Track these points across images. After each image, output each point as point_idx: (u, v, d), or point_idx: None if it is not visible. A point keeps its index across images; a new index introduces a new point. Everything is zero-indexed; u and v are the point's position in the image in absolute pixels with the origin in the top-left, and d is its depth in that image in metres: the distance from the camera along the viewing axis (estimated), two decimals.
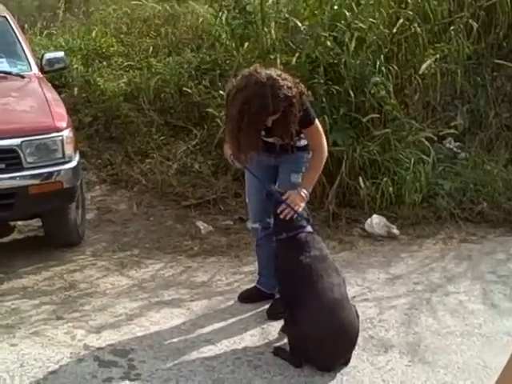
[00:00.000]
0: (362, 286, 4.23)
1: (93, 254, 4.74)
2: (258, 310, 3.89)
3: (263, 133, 3.54)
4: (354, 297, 4.01)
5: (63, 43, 8.26)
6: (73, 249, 4.78)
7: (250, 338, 3.60)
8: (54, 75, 7.47)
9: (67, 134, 4.50)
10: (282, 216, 3.46)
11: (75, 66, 7.54)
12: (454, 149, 6.18)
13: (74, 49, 8.13)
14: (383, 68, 5.60)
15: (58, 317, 3.82)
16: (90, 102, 7.07)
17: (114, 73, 7.52)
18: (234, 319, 3.81)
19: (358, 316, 3.40)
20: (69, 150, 4.52)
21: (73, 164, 4.54)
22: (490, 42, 6.54)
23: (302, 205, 3.51)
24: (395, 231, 5.06)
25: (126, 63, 7.64)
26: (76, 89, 7.26)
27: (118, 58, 7.86)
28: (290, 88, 3.38)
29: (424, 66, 5.73)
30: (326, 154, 3.67)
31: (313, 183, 3.69)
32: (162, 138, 6.40)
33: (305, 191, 3.55)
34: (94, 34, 8.33)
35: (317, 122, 3.62)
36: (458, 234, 5.12)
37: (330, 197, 5.31)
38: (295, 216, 3.47)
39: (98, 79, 7.29)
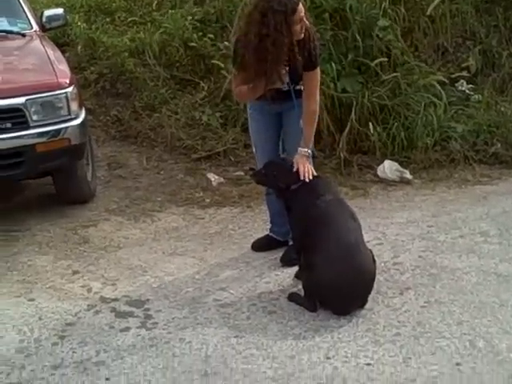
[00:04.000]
0: (375, 231, 4.23)
1: (105, 210, 4.76)
2: (272, 258, 3.91)
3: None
4: (368, 241, 3.97)
5: (64, 0, 8.17)
6: (85, 205, 4.80)
7: (265, 285, 3.63)
8: (57, 33, 7.44)
9: (71, 90, 4.48)
10: (306, 179, 3.48)
11: (78, 23, 7.46)
12: (467, 91, 6.10)
13: (76, 6, 8.07)
14: (390, 11, 5.50)
15: (74, 271, 3.87)
16: (95, 59, 7.02)
17: (118, 29, 7.44)
18: (248, 267, 3.84)
19: (374, 261, 3.42)
20: (74, 106, 4.51)
21: (79, 120, 4.53)
22: None
23: (308, 163, 3.56)
24: (408, 176, 5.04)
25: (129, 18, 7.56)
26: (80, 46, 7.20)
27: (121, 13, 7.76)
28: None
29: (431, 6, 5.62)
30: (318, 106, 3.67)
31: (311, 139, 3.68)
32: (169, 91, 6.36)
33: (308, 151, 3.58)
34: None
35: (319, 68, 3.59)
36: (473, 176, 5.10)
37: (340, 144, 5.28)
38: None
39: (101, 36, 7.21)
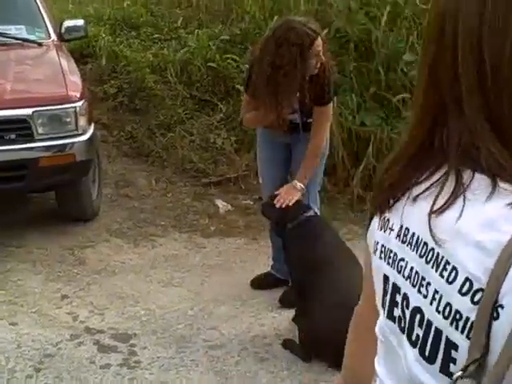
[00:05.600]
0: None
1: (107, 230, 4.55)
2: (271, 298, 3.66)
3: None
4: None
5: (92, 11, 8.06)
6: (86, 224, 4.59)
7: (260, 328, 3.38)
8: (83, 44, 7.36)
9: (81, 105, 4.29)
10: (277, 205, 3.26)
11: (103, 35, 7.33)
12: None
13: (103, 17, 7.95)
14: (417, 45, 5.26)
15: (63, 295, 3.66)
16: (116, 73, 6.88)
17: (143, 44, 7.29)
18: (244, 306, 3.59)
19: None
20: (82, 121, 4.32)
21: (86, 136, 4.34)
22: None
23: (296, 197, 3.31)
24: None
25: (154, 34, 7.41)
26: (103, 59, 7.07)
27: (147, 28, 7.61)
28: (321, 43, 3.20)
29: None
30: (323, 144, 3.44)
31: (309, 176, 3.44)
32: (186, 111, 6.16)
33: (300, 185, 3.35)
34: (124, 3, 8.11)
35: (331, 104, 3.37)
36: None
37: (355, 179, 5.02)
38: (292, 204, 3.27)
39: (125, 49, 7.07)
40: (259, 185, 5.23)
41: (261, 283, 3.80)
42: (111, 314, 3.46)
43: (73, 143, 4.25)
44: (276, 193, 3.35)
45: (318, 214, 3.58)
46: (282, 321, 3.43)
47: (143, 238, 4.45)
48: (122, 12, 7.95)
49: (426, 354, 0.83)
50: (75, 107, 4.25)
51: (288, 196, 3.30)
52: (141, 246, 4.35)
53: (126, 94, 6.60)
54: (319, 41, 3.18)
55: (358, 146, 5.14)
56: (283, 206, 3.27)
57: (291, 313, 3.42)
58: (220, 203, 4.97)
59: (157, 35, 7.36)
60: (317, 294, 3.06)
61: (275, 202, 3.29)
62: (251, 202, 5.04)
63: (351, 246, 4.07)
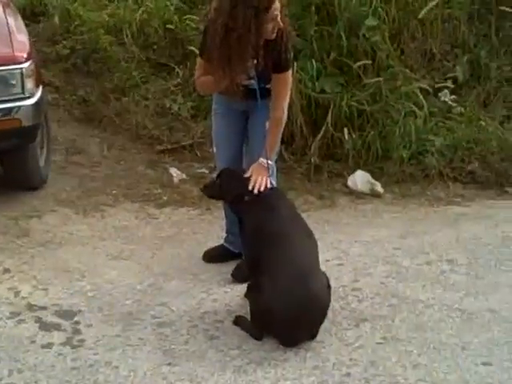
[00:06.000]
0: (337, 249, 3.85)
1: (54, 199, 4.34)
2: (223, 271, 3.52)
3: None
4: (328, 260, 3.64)
5: None
6: (34, 192, 4.38)
7: (211, 304, 3.24)
8: (34, 2, 7.00)
9: (28, 66, 4.03)
10: (255, 191, 3.11)
11: None
12: (450, 102, 5.71)
13: None
14: (380, 9, 5.09)
15: (5, 269, 3.47)
16: (70, 33, 6.55)
17: (98, 2, 6.95)
18: (195, 281, 3.45)
19: (329, 286, 3.04)
20: (29, 84, 4.07)
21: (33, 100, 4.09)
22: None
23: (266, 176, 3.18)
24: (379, 189, 4.66)
25: None
26: (55, 18, 6.72)
27: None
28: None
29: (424, 9, 5.21)
30: (285, 114, 3.29)
31: (274, 150, 3.30)
32: (142, 75, 5.91)
33: (268, 161, 3.20)
34: None
35: (290, 71, 3.20)
36: (446, 194, 4.72)
37: (312, 148, 4.88)
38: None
39: (79, 8, 6.73)
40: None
41: (213, 256, 3.66)
42: (55, 289, 3.29)
43: (19, 107, 4.00)
44: (248, 174, 3.20)
45: (275, 184, 3.45)
46: (234, 296, 3.30)
47: (93, 208, 4.26)
48: None
49: None
50: (21, 68, 3.99)
51: (261, 178, 3.15)
52: (90, 216, 4.17)
53: (79, 56, 6.30)
54: (277, 4, 2.99)
55: (317, 113, 4.99)
56: (261, 189, 3.13)
57: (244, 288, 3.30)
58: (174, 172, 4.80)
59: None
60: (269, 269, 2.94)
61: (250, 187, 3.13)
62: (206, 171, 4.88)
63: (307, 216, 3.98)
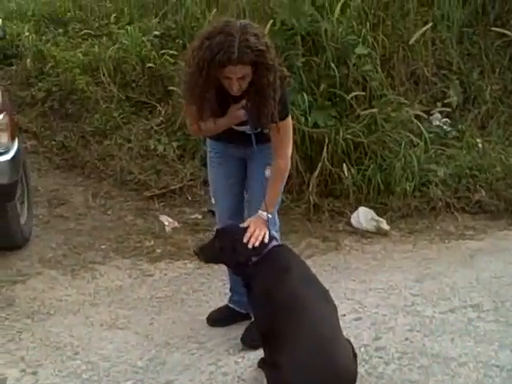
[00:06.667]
0: (352, 300, 3.46)
1: (39, 259, 3.91)
2: (231, 337, 3.11)
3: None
4: (345, 315, 3.25)
5: (15, 7, 7.26)
6: (17, 252, 3.96)
7: (222, 379, 2.82)
8: (5, 44, 6.59)
9: (1, 119, 3.64)
10: (249, 245, 2.72)
11: (27, 33, 6.56)
12: (444, 126, 5.40)
13: (26, 13, 7.16)
14: (369, 37, 4.77)
15: None
16: (44, 75, 6.14)
17: (71, 41, 6.55)
18: (201, 351, 3.02)
19: (355, 355, 2.65)
20: (3, 138, 3.67)
21: (9, 156, 3.69)
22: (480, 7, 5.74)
23: (265, 230, 2.78)
24: (385, 227, 4.29)
25: (83, 31, 6.67)
26: (28, 60, 6.30)
27: (75, 24, 6.86)
28: (267, 46, 2.59)
29: (416, 35, 4.91)
30: (289, 164, 2.91)
31: (275, 202, 2.92)
32: (123, 115, 5.51)
33: (268, 214, 2.83)
34: None
35: (290, 117, 2.83)
36: (455, 227, 4.37)
37: (310, 186, 4.51)
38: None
39: (52, 49, 6.32)
40: (207, 196, 4.71)
41: (218, 320, 3.24)
42: (46, 372, 2.84)
43: None
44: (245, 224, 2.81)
45: (278, 238, 3.07)
46: (247, 367, 2.88)
47: (81, 267, 3.84)
48: (47, 7, 7.19)
49: None
50: None
51: (258, 231, 2.76)
52: (79, 277, 3.74)
53: (55, 98, 5.89)
54: (237, 68, 2.57)
55: (312, 149, 4.63)
56: (256, 244, 2.74)
57: (255, 355, 2.91)
58: (165, 220, 4.39)
59: (86, 31, 6.64)
60: (287, 340, 2.54)
61: (246, 241, 2.73)
62: (199, 216, 4.48)
63: (312, 262, 3.60)
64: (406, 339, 3.11)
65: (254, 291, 2.74)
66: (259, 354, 2.85)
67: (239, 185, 3.13)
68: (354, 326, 3.17)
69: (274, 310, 2.62)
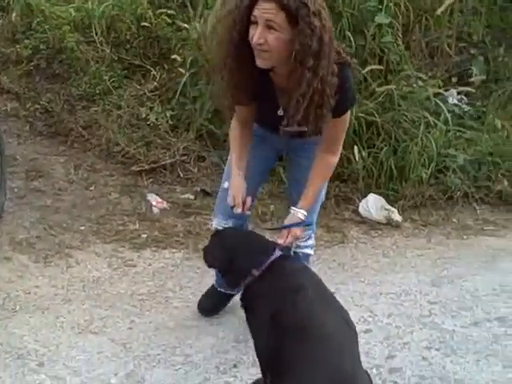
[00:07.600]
0: (361, 307, 2.95)
1: (10, 242, 3.37)
2: (221, 350, 2.60)
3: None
4: None
5: None
6: None
7: None
8: None
9: None
10: (283, 242, 2.25)
11: None
12: (461, 104, 4.82)
13: None
14: (391, 4, 4.16)
15: None
16: (32, 31, 5.52)
17: None
18: (187, 366, 2.51)
19: None
20: None
21: None
22: None
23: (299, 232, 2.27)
24: (397, 217, 3.76)
25: None
26: (15, 14, 5.67)
27: None
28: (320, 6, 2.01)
29: (443, 6, 4.28)
30: (337, 158, 2.36)
31: (314, 199, 2.37)
32: (114, 79, 4.92)
33: (304, 213, 2.30)
34: None
35: (349, 112, 2.28)
36: (474, 221, 3.85)
37: None
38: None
39: (41, 2, 5.68)
40: (200, 173, 4.17)
41: (211, 309, 2.83)
42: None
43: None
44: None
45: (312, 240, 2.58)
46: None
47: (56, 253, 3.30)
48: None
49: None
50: None
51: (292, 236, 2.27)
52: (53, 264, 3.21)
53: (42, 57, 5.26)
54: (267, 5, 1.97)
55: None
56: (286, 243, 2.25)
57: (250, 374, 2.41)
58: (153, 199, 3.84)
59: None
60: (301, 375, 2.00)
61: (279, 238, 2.23)
62: (191, 197, 3.94)
63: (316, 257, 3.11)
64: (424, 359, 2.61)
65: (257, 313, 2.18)
66: (254, 372, 2.35)
67: (262, 176, 2.64)
68: (364, 341, 2.66)
69: (281, 337, 2.07)
